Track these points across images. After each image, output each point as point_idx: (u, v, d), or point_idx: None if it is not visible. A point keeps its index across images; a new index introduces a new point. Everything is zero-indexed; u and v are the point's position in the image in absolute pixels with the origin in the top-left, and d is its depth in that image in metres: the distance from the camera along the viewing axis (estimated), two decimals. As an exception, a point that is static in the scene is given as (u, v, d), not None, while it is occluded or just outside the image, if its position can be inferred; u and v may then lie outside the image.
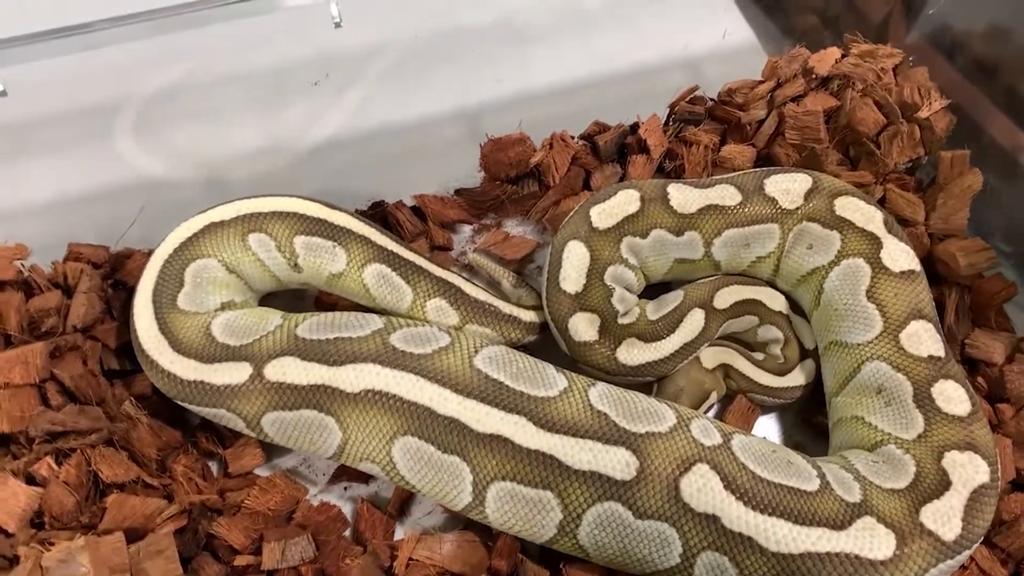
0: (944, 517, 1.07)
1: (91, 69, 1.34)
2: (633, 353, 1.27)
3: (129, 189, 1.42)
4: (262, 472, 1.29)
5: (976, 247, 1.35)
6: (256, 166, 1.44)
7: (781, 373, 1.32)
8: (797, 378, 1.32)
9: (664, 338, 1.29)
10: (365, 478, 1.31)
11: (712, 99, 1.54)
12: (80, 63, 1.31)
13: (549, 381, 1.18)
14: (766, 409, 1.36)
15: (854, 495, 1.09)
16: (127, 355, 1.32)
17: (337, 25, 1.21)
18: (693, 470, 1.09)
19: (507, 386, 1.15)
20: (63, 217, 1.40)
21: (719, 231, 1.30)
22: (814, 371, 1.33)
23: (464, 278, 1.33)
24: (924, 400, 1.16)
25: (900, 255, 1.26)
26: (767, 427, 1.36)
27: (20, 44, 1.14)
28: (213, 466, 1.30)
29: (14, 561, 1.09)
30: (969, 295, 1.36)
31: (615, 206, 1.30)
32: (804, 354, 1.34)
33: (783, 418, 1.37)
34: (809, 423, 1.35)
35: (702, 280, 1.35)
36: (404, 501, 1.28)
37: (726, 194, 1.31)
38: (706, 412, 1.31)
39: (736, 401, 1.33)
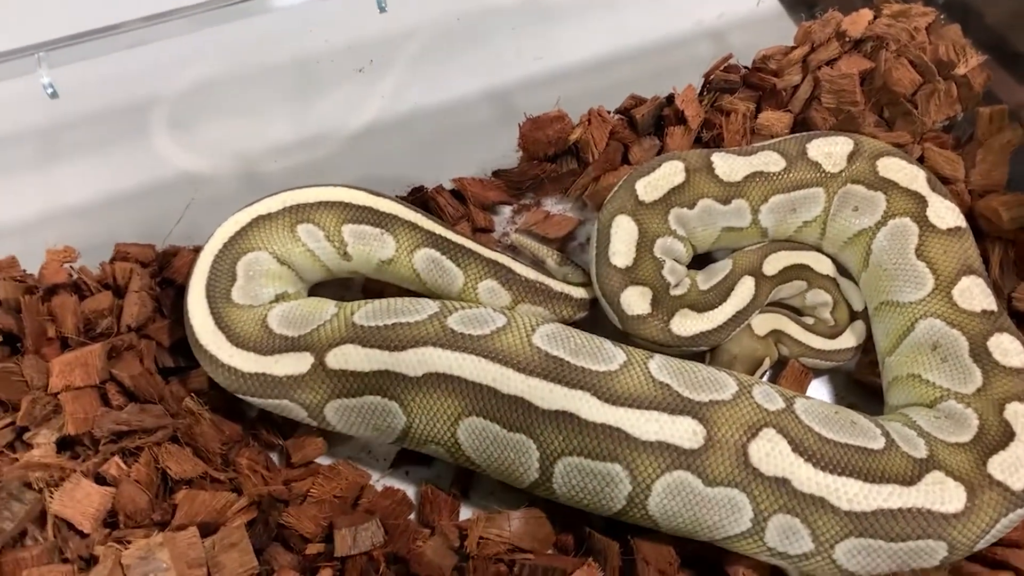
0: (1012, 467, 1.08)
1: (126, 69, 1.33)
2: (687, 324, 1.28)
3: (169, 187, 1.41)
4: (323, 461, 1.30)
5: (1018, 201, 1.35)
6: (294, 157, 1.44)
7: (832, 336, 1.33)
8: (848, 340, 1.33)
9: (716, 307, 1.29)
10: (426, 461, 1.32)
11: (746, 67, 1.54)
12: (114, 63, 1.29)
13: (608, 355, 1.19)
14: (818, 373, 1.37)
15: (920, 451, 1.11)
16: (180, 352, 1.32)
17: (382, 10, 1.21)
18: (760, 435, 1.10)
19: (568, 362, 1.16)
20: (105, 218, 1.40)
21: (765, 197, 1.31)
22: (865, 332, 1.34)
23: (512, 258, 1.34)
24: (980, 354, 1.17)
25: (946, 212, 1.27)
26: (820, 391, 1.37)
27: (66, 45, 1.14)
28: (274, 457, 1.30)
29: (92, 561, 1.10)
30: (1013, 249, 1.36)
31: (660, 178, 1.31)
32: (853, 316, 1.34)
33: (835, 381, 1.38)
34: (861, 384, 1.36)
35: (749, 248, 1.35)
36: (466, 482, 1.29)
37: (770, 160, 1.31)
38: (760, 378, 1.32)
39: (788, 366, 1.33)
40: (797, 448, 1.09)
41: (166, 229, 1.39)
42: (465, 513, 1.28)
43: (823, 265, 1.35)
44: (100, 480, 1.15)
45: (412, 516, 1.28)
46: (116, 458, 1.16)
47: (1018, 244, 1.37)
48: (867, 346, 1.34)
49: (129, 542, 1.08)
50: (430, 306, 1.24)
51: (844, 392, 1.36)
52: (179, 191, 1.42)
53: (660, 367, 1.18)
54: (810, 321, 1.36)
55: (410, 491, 1.29)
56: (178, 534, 1.10)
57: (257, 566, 1.13)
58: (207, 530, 1.14)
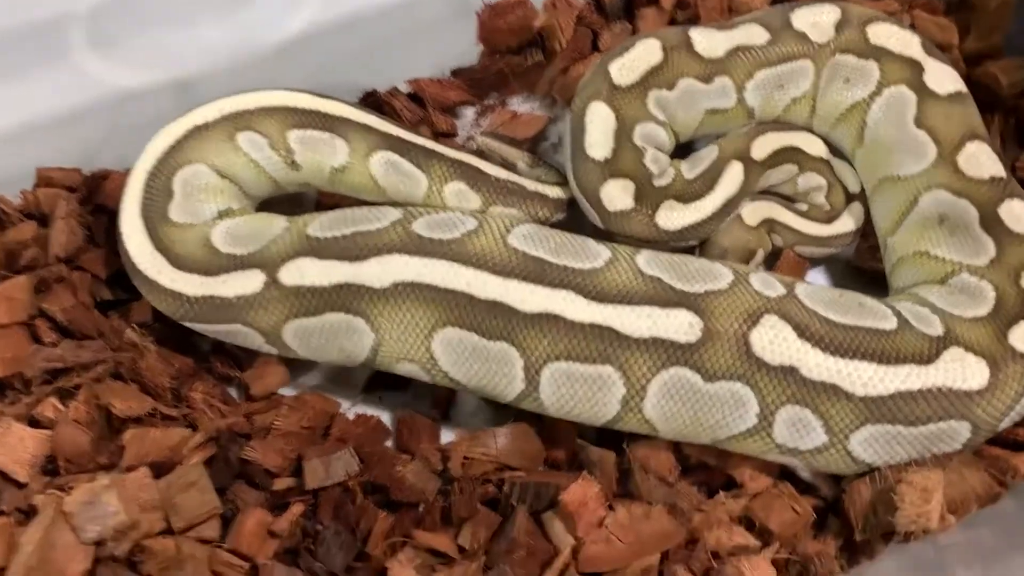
0: (1034, 337, 1.01)
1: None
2: (673, 216, 1.18)
3: (94, 108, 1.26)
4: (287, 392, 1.19)
5: (1017, 65, 1.27)
6: (229, 67, 1.29)
7: (828, 221, 1.24)
8: (846, 223, 1.24)
9: (704, 196, 1.19)
10: (401, 385, 1.21)
11: (719, -60, 1.42)
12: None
13: (592, 252, 1.09)
14: (815, 262, 1.28)
15: (935, 328, 1.02)
16: (119, 284, 1.20)
17: None
18: (762, 322, 1.01)
19: (549, 261, 1.06)
20: (25, 145, 1.25)
21: (750, 73, 1.20)
22: (863, 215, 1.24)
23: (480, 158, 1.22)
24: (992, 223, 1.09)
25: (945, 77, 1.17)
26: (817, 281, 1.29)
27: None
28: (232, 392, 1.19)
29: (30, 513, 0.98)
30: (1014, 117, 1.28)
31: (636, 59, 1.19)
32: (850, 198, 1.25)
33: (833, 270, 1.30)
34: (862, 271, 1.27)
35: (735, 132, 1.25)
36: (446, 402, 1.20)
37: (753, 33, 1.20)
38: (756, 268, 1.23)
39: (783, 257, 1.24)
40: (803, 334, 1.00)
41: (95, 153, 1.26)
42: (447, 436, 1.19)
43: (815, 146, 1.25)
44: (34, 424, 1.04)
45: (389, 443, 1.18)
46: (52, 399, 1.04)
47: (1019, 111, 1.29)
48: (866, 230, 1.25)
49: (72, 488, 0.96)
50: (392, 213, 1.13)
51: (844, 281, 1.28)
52: (105, 112, 1.27)
53: (649, 261, 1.08)
54: (804, 207, 1.26)
55: (385, 418, 1.19)
56: (127, 476, 0.99)
57: (219, 505, 1.03)
58: (161, 470, 1.03)
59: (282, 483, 1.07)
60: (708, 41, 1.20)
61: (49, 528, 0.92)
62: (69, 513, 0.94)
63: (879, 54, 1.19)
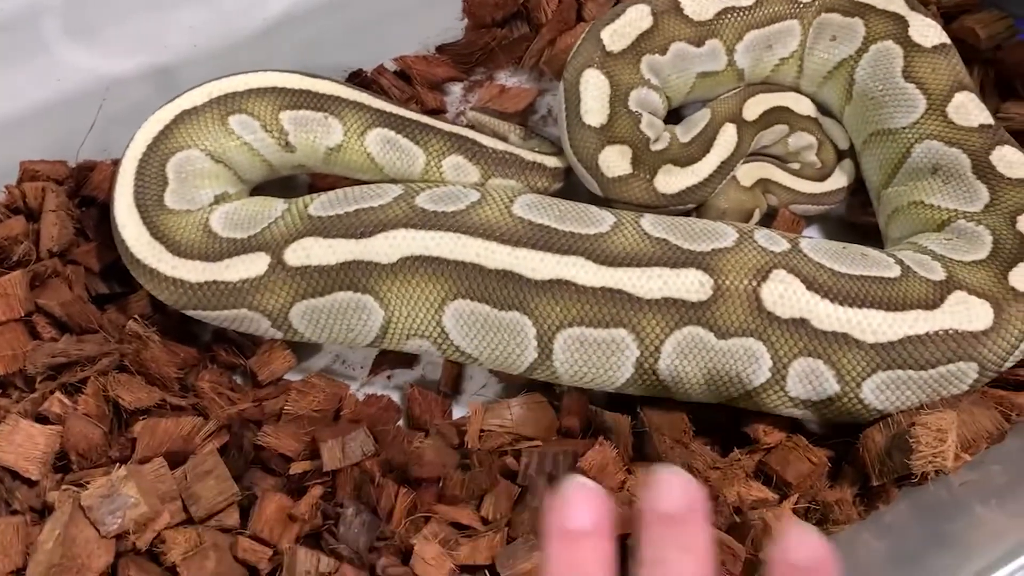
0: (1033, 279, 1.03)
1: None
2: (671, 180, 1.18)
3: (74, 98, 1.22)
4: (292, 377, 1.17)
5: (993, 17, 1.30)
6: (213, 51, 1.26)
7: (822, 178, 1.26)
8: (839, 180, 1.26)
9: (701, 159, 1.20)
10: (408, 362, 1.21)
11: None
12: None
13: (597, 218, 1.09)
14: (810, 220, 1.30)
15: (938, 274, 1.04)
16: (114, 277, 1.17)
17: None
18: (771, 277, 1.01)
19: (555, 229, 1.05)
20: (5, 139, 1.21)
21: (740, 35, 1.21)
22: (854, 171, 1.26)
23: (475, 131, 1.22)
24: (984, 169, 1.11)
25: (929, 30, 1.19)
26: (819, 239, 1.30)
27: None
28: (238, 380, 1.17)
29: (46, 511, 0.96)
30: (993, 69, 1.31)
31: (627, 24, 1.19)
32: (840, 156, 1.27)
33: (827, 227, 1.31)
34: (855, 226, 1.29)
35: (726, 95, 1.26)
36: (455, 378, 1.19)
37: (740, -6, 1.22)
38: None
39: (779, 215, 1.26)
40: (812, 286, 1.01)
41: (79, 144, 1.23)
42: (458, 412, 1.18)
43: (803, 106, 1.27)
44: (42, 420, 1.01)
45: (401, 422, 1.17)
46: (58, 394, 1.01)
47: (997, 63, 1.31)
48: (856, 187, 1.27)
49: (87, 483, 0.94)
50: (393, 189, 1.12)
51: (838, 236, 1.28)
52: (88, 101, 1.23)
53: (654, 224, 1.09)
54: (796, 166, 1.28)
55: (395, 396, 1.18)
56: (143, 467, 0.97)
57: (238, 492, 1.01)
58: (175, 460, 1.01)
59: (299, 467, 1.06)
60: (697, 4, 1.20)
61: (68, 524, 0.90)
62: (88, 507, 0.91)
63: (863, 11, 1.21)
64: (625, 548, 1.01)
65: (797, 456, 1.07)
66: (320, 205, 1.09)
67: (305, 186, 1.31)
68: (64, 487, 0.94)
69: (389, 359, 1.20)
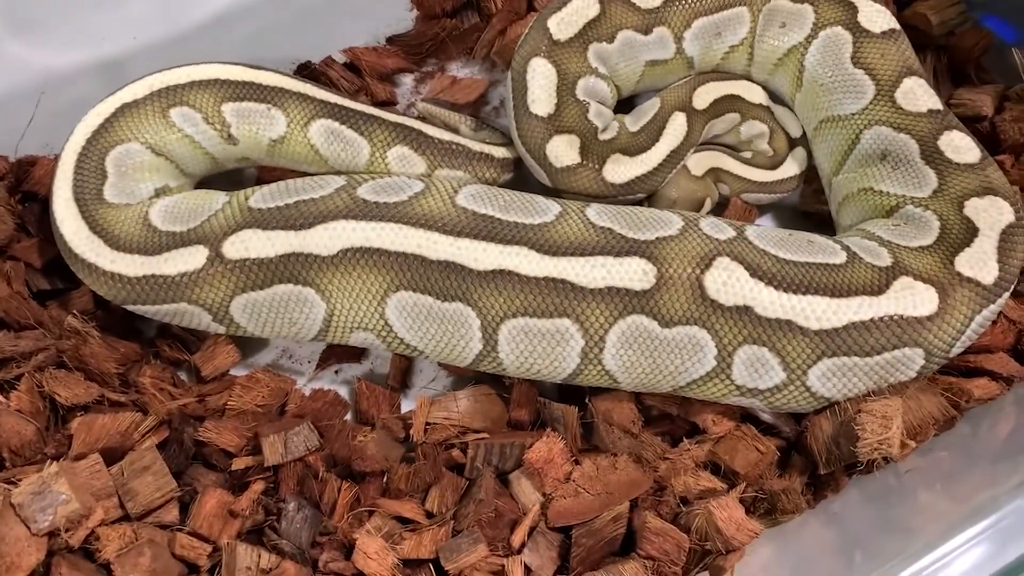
0: (980, 261, 1.02)
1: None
2: (620, 169, 1.17)
3: (15, 92, 1.21)
4: (238, 373, 1.16)
5: (945, 3, 1.29)
6: (157, 44, 1.25)
7: (773, 167, 1.25)
8: (791, 168, 1.25)
9: (650, 148, 1.19)
10: (356, 356, 1.19)
11: None
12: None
13: (541, 208, 1.08)
14: (762, 209, 1.29)
15: (884, 260, 1.03)
16: (56, 273, 1.16)
17: None
18: (715, 264, 1.01)
19: (499, 219, 1.04)
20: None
21: (688, 23, 1.20)
22: (806, 159, 1.25)
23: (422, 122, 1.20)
24: (932, 154, 1.10)
25: (878, 16, 1.18)
26: (766, 227, 1.29)
27: None
28: (183, 376, 1.16)
29: (-23, 509, 0.94)
30: (945, 55, 1.30)
31: (573, 12, 1.18)
32: (792, 144, 1.26)
33: (780, 216, 1.30)
34: (808, 215, 1.28)
35: (676, 83, 1.25)
36: (404, 372, 1.17)
37: (688, -18, 1.21)
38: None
39: (731, 204, 1.25)
40: (755, 273, 1.01)
41: (20, 139, 1.21)
42: (407, 406, 1.17)
43: (755, 94, 1.26)
44: (-26, 418, 0.99)
45: (348, 417, 1.16)
46: (-9, 391, 1.00)
47: (950, 49, 1.31)
48: (809, 175, 1.26)
49: (19, 481, 0.92)
50: (335, 180, 1.11)
51: (791, 225, 1.28)
52: (29, 95, 1.21)
53: (599, 213, 1.08)
54: (748, 155, 1.27)
55: (343, 391, 1.17)
56: (77, 463, 0.96)
57: (177, 488, 1.00)
58: (113, 457, 1.00)
59: (240, 462, 1.05)
60: (644, -9, 1.20)
61: (-3, 522, 0.89)
62: (18, 505, 0.90)
63: (813, -3, 1.21)
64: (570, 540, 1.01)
65: (745, 446, 1.06)
66: (260, 197, 1.08)
67: (253, 180, 1.29)
68: (-5, 486, 0.93)
69: (337, 354, 1.18)
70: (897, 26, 1.18)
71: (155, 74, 1.14)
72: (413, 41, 1.35)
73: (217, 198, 1.10)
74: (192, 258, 1.04)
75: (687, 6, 1.19)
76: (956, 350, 1.03)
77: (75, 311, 1.10)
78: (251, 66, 1.17)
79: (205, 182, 1.21)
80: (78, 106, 1.14)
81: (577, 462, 1.06)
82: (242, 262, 1.03)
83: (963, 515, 0.87)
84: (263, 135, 1.15)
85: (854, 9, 1.19)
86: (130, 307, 1.07)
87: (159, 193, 1.12)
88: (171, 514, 1.00)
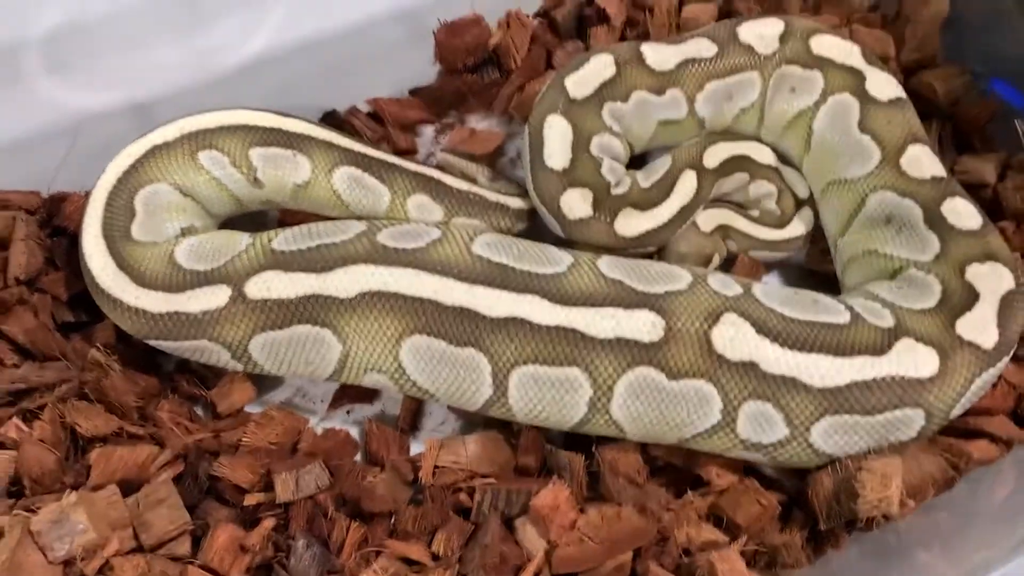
0: (980, 326, 1.04)
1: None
2: (631, 223, 1.21)
3: (50, 131, 1.26)
4: (253, 410, 1.18)
5: (952, 73, 1.34)
6: (188, 89, 1.30)
7: (780, 225, 1.28)
8: (797, 228, 1.28)
9: (660, 204, 1.22)
10: (368, 397, 1.22)
11: (664, -40, 1.48)
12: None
13: (554, 258, 1.11)
14: (769, 266, 1.32)
15: (886, 321, 1.06)
16: (81, 306, 1.19)
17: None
18: (722, 320, 1.03)
19: (513, 268, 1.08)
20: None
21: (701, 85, 1.24)
22: (813, 219, 1.29)
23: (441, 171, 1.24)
24: (936, 220, 1.13)
25: (885, 84, 1.23)
26: (772, 285, 1.32)
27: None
28: (199, 411, 1.18)
29: (-4, 535, 0.96)
30: (950, 124, 1.34)
31: (590, 73, 1.23)
32: (799, 204, 1.30)
33: (786, 274, 1.34)
34: (814, 274, 1.31)
35: (688, 142, 1.29)
36: (414, 414, 1.20)
37: (701, 47, 1.25)
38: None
39: (738, 261, 1.28)
40: (761, 330, 1.03)
41: (53, 176, 1.25)
42: (416, 448, 1.19)
43: (764, 155, 1.30)
44: (-2, 446, 1.02)
45: (358, 458, 1.18)
46: (15, 420, 1.03)
47: (955, 118, 1.35)
48: (816, 235, 1.30)
49: (38, 509, 0.95)
50: (356, 225, 1.14)
51: (797, 284, 1.31)
52: (63, 135, 1.26)
53: (610, 265, 1.11)
54: (756, 213, 1.31)
55: (354, 432, 1.19)
56: (95, 493, 0.98)
57: (190, 522, 1.02)
58: (129, 488, 1.02)
59: (253, 498, 1.07)
60: (659, 55, 1.24)
61: (16, 549, 0.91)
62: (37, 532, 0.92)
63: (822, 64, 1.24)
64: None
65: (748, 499, 1.08)
66: (283, 240, 1.11)
67: (275, 222, 1.33)
68: (15, 512, 0.95)
69: (349, 394, 1.21)
70: (903, 95, 1.22)
71: (186, 118, 1.19)
72: (435, 94, 1.40)
73: (241, 239, 1.14)
74: (215, 297, 1.07)
75: (700, 70, 1.24)
76: (956, 412, 1.05)
77: (98, 344, 1.13)
78: (279, 113, 1.22)
79: (229, 223, 1.25)
80: (110, 146, 1.19)
81: (582, 510, 1.08)
82: (263, 302, 1.06)
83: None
84: (288, 180, 1.19)
85: (862, 77, 1.23)
86: (152, 342, 1.11)
87: (185, 232, 1.16)
88: (183, 547, 1.01)
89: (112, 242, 1.11)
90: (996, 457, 1.08)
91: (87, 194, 1.18)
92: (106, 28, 1.28)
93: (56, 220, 1.22)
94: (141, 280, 1.09)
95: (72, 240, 1.21)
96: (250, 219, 1.28)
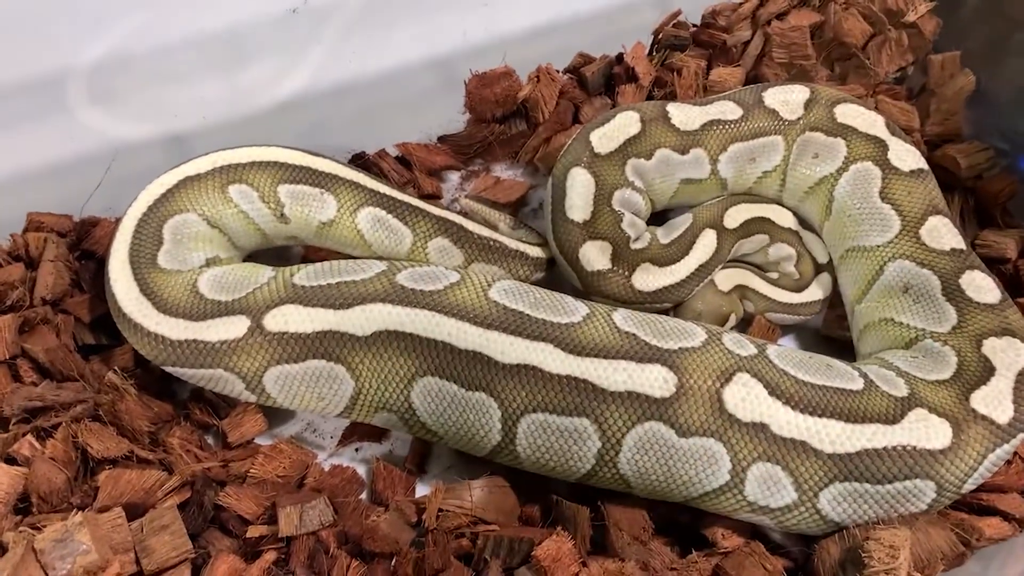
0: (995, 401, 1.04)
1: (37, 37, 1.24)
2: (649, 279, 1.22)
3: (88, 158, 1.29)
4: (263, 442, 1.19)
5: (975, 148, 1.34)
6: (223, 124, 1.34)
7: (798, 289, 1.29)
8: (815, 292, 1.28)
9: (679, 261, 1.23)
10: (377, 436, 1.22)
11: (695, 24, 1.50)
12: (23, 31, 1.21)
13: (570, 308, 1.12)
14: (785, 329, 1.32)
15: (900, 390, 1.06)
16: (103, 329, 1.21)
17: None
18: (735, 380, 1.03)
19: (528, 315, 1.08)
20: (19, 192, 1.28)
21: (724, 146, 1.26)
22: (831, 285, 1.29)
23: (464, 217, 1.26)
24: (953, 292, 1.14)
25: (907, 155, 1.24)
26: (787, 347, 1.32)
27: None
28: (209, 440, 1.19)
29: (1, 550, 0.97)
30: (973, 197, 1.35)
31: (616, 129, 1.25)
32: (818, 269, 1.30)
33: (802, 337, 1.33)
34: (830, 340, 1.31)
35: (709, 202, 1.30)
36: (422, 456, 1.20)
37: (727, 109, 1.27)
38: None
39: (755, 322, 1.28)
40: (774, 392, 1.03)
41: (87, 201, 1.29)
42: (422, 490, 1.19)
43: (784, 218, 1.31)
44: (10, 461, 1.03)
45: (364, 496, 1.18)
46: (29, 437, 1.04)
47: (977, 192, 1.35)
48: (834, 301, 1.30)
49: (44, 527, 0.95)
50: (377, 265, 1.16)
51: (812, 348, 1.31)
52: (100, 162, 1.30)
53: (625, 318, 1.12)
54: (774, 276, 1.31)
55: (361, 470, 1.19)
56: (100, 515, 0.98)
57: (192, 550, 1.02)
58: (134, 512, 1.02)
59: (256, 530, 1.07)
60: (684, 115, 1.26)
61: (18, 565, 0.91)
62: (40, 550, 0.92)
63: (846, 132, 1.26)
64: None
65: (753, 563, 1.06)
66: (305, 275, 1.13)
67: (299, 258, 1.36)
68: (21, 529, 0.96)
69: (359, 432, 1.21)
70: (925, 166, 1.24)
71: (219, 151, 1.22)
72: (463, 141, 1.42)
73: (264, 272, 1.16)
74: (234, 327, 1.09)
75: (725, 131, 1.26)
76: (968, 486, 1.03)
77: (116, 367, 1.15)
78: (309, 152, 1.24)
79: (253, 256, 1.27)
80: (143, 175, 1.22)
81: (584, 564, 1.06)
82: (280, 335, 1.08)
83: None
84: (314, 217, 1.21)
85: (885, 147, 1.24)
86: (169, 368, 1.12)
87: (209, 263, 1.18)
88: (183, 575, 1.01)
89: (138, 268, 1.13)
90: (1009, 535, 1.06)
91: (117, 220, 1.21)
92: (151, 62, 1.32)
93: (85, 244, 1.25)
94: (163, 307, 1.11)
95: (99, 264, 1.23)
96: (275, 253, 1.31)
